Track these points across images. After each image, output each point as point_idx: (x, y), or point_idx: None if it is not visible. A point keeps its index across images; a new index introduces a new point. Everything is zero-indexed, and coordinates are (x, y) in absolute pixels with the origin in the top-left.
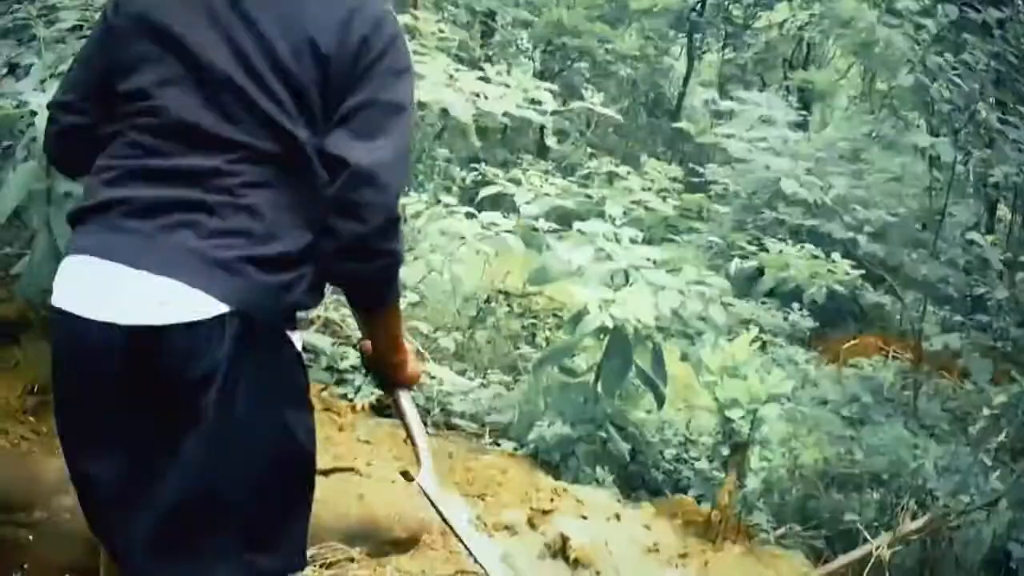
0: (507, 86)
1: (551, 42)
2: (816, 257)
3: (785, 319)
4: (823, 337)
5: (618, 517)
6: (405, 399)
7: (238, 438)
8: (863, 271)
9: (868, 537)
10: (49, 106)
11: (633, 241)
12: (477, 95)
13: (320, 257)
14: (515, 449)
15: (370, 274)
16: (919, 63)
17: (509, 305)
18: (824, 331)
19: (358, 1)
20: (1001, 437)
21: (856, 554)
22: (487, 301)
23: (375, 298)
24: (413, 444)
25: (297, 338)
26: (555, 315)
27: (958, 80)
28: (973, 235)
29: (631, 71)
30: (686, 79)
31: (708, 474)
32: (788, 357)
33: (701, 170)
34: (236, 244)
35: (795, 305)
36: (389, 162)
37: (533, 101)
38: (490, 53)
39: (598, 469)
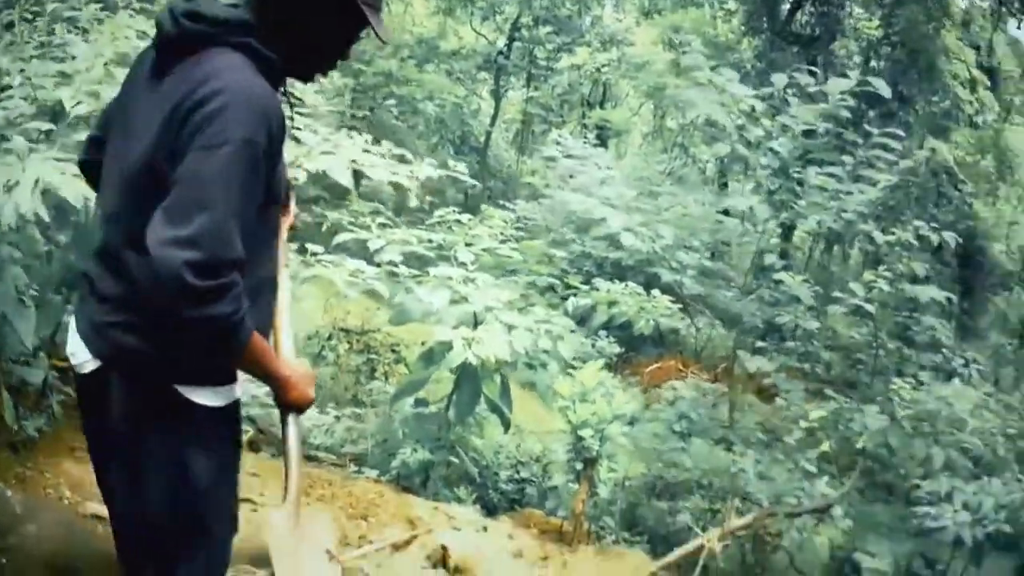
0: (381, 155)
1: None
2: (639, 294)
3: (593, 346)
4: (628, 361)
5: (485, 529)
6: (290, 426)
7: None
8: (681, 305)
9: (699, 532)
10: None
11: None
12: (354, 161)
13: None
14: (379, 476)
15: (198, 339)
16: (737, 133)
17: (349, 342)
18: (628, 355)
19: (207, 72)
20: (824, 448)
21: (690, 547)
22: (329, 338)
23: (220, 352)
24: (285, 474)
25: (202, 393)
26: (392, 350)
27: (776, 148)
28: (782, 275)
29: (437, 110)
30: (494, 118)
31: (558, 488)
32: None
33: (511, 206)
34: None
35: (602, 332)
36: (184, 240)
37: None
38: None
39: (456, 489)
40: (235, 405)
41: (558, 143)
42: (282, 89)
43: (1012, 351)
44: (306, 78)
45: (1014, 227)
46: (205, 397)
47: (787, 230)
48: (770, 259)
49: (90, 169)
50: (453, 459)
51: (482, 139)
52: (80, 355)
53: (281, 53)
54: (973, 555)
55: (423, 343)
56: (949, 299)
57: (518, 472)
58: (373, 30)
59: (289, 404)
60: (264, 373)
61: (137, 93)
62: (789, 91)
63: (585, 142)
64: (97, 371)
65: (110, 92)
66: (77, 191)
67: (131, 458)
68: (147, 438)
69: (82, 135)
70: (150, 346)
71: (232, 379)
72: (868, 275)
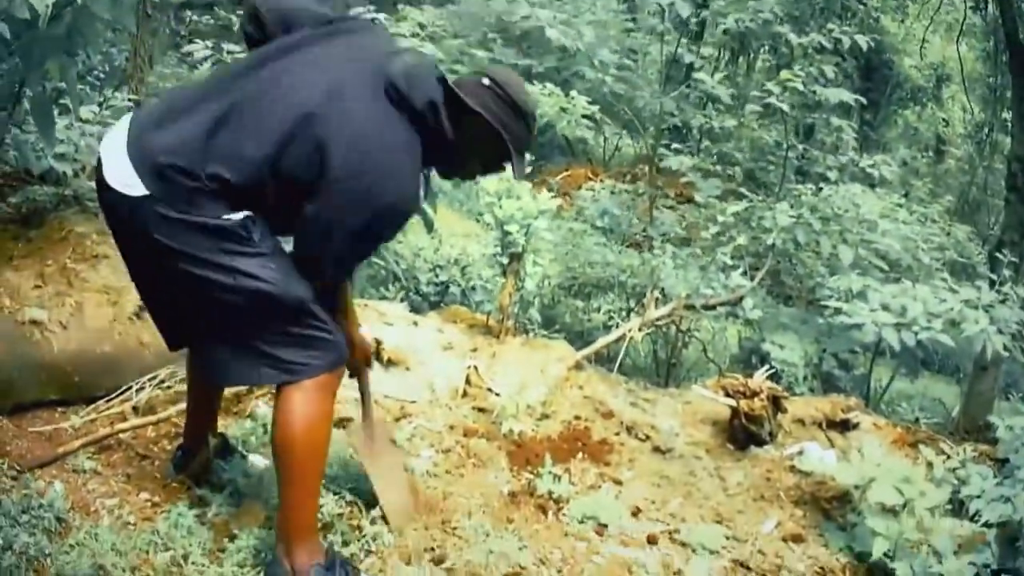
0: None
1: None
2: (559, 95)
3: None
4: (539, 169)
5: (415, 324)
6: (365, 372)
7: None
8: (599, 106)
9: (620, 322)
10: None
11: None
12: None
13: None
14: None
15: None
16: None
17: None
18: (539, 164)
19: None
20: (739, 241)
21: (612, 336)
22: None
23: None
24: (364, 403)
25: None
26: None
27: None
28: (701, 75)
29: None
30: None
31: (483, 284)
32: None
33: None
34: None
35: None
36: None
37: None
38: None
39: (384, 289)
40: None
41: None
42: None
43: (925, 164)
44: (442, 173)
45: (927, 45)
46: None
47: (696, 36)
48: (689, 58)
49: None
50: (378, 260)
51: None
52: (127, 179)
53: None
54: (906, 362)
55: None
56: (859, 101)
57: (437, 275)
58: (513, 168)
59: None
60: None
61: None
62: None
63: None
64: (143, 197)
65: None
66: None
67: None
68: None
69: None
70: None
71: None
72: (784, 74)
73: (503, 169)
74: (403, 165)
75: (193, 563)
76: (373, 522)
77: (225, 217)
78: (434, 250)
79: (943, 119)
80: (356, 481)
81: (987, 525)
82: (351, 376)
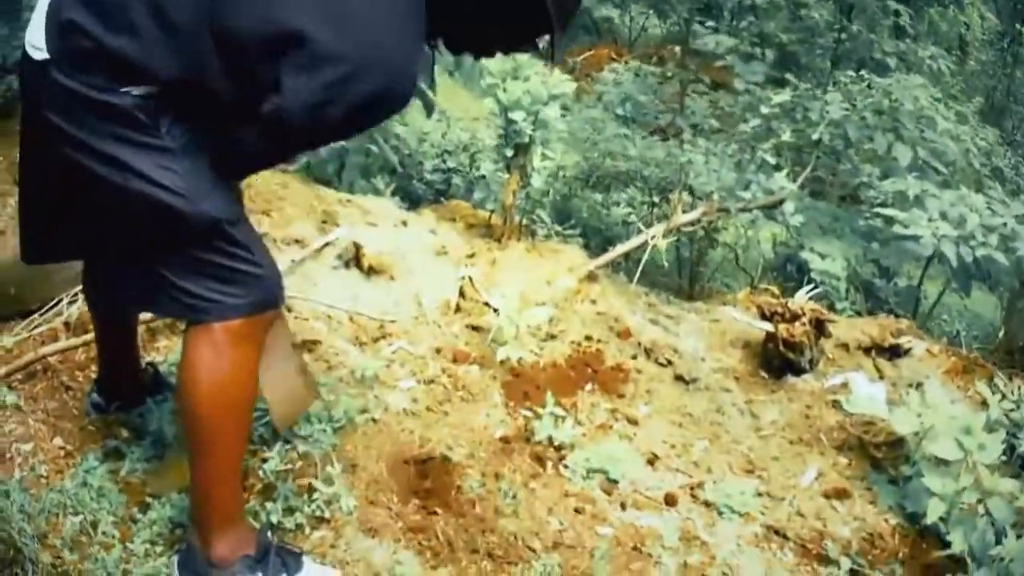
0: None
1: None
2: None
3: None
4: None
5: (404, 224)
6: None
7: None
8: None
9: (640, 226)
10: None
11: None
12: None
13: None
14: (286, 168)
15: None
16: None
17: None
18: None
19: None
20: (786, 136)
21: (633, 243)
22: None
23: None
24: None
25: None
26: None
27: None
28: None
29: None
30: None
31: (486, 178)
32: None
33: None
34: None
35: None
36: None
37: None
38: None
39: (374, 180)
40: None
41: None
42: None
43: (953, 62)
44: (451, 46)
45: None
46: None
47: None
48: None
49: None
50: (371, 147)
51: None
52: (36, 39)
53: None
54: (959, 278)
55: None
56: None
57: (444, 161)
58: (551, 44)
59: None
60: None
61: None
62: None
63: None
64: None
65: None
66: None
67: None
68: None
69: None
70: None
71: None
72: None
73: (534, 46)
74: (400, 33)
75: (103, 532)
76: (329, 481)
77: (123, 91)
78: (441, 134)
79: (964, 22)
80: (312, 425)
81: None
82: None
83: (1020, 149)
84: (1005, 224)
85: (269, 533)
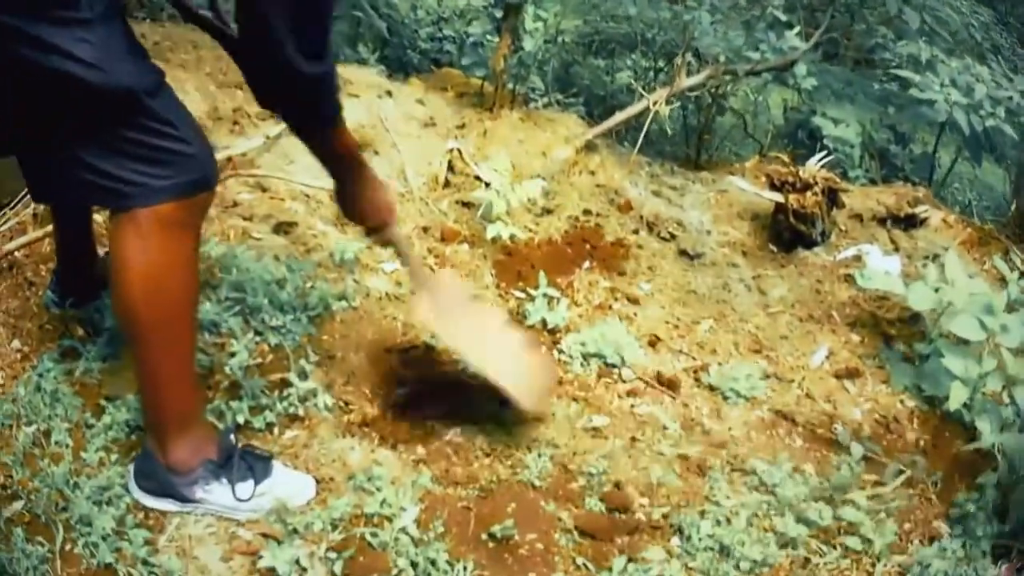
0: None
1: None
2: None
3: None
4: None
5: (390, 94)
6: (396, 234)
7: None
8: None
9: (643, 92)
10: None
11: None
12: None
13: None
14: None
15: None
16: None
17: None
18: None
19: None
20: None
21: (633, 109)
22: None
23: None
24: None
25: None
26: None
27: None
28: None
29: None
30: None
31: (476, 42)
32: None
33: None
34: None
35: None
36: None
37: None
38: None
39: (359, 49)
40: None
41: None
42: None
43: None
44: None
45: None
46: None
47: None
48: None
49: None
50: (358, 13)
51: None
52: None
53: None
54: (971, 147)
55: None
56: None
57: (440, 29)
58: None
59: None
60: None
61: None
62: None
63: None
64: None
65: None
66: None
67: None
68: None
69: None
70: None
71: None
72: None
73: None
74: None
75: (56, 442)
76: (303, 375)
77: None
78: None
79: None
80: (286, 313)
81: None
82: (381, 244)
83: (1015, 32)
84: (1011, 98)
85: (233, 436)
